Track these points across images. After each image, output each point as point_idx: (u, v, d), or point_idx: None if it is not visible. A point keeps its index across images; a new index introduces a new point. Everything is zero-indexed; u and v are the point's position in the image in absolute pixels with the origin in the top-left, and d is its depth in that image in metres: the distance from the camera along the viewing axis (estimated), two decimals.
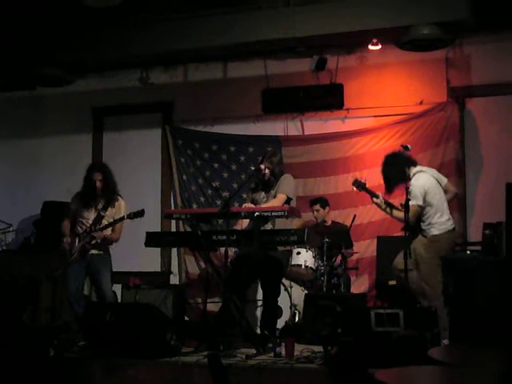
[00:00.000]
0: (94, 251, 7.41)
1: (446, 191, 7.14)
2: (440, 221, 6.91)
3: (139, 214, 7.33)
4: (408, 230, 6.96)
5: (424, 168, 7.10)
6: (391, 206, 7.13)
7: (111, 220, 7.38)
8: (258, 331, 7.11)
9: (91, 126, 10.22)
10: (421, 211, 6.89)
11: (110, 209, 7.47)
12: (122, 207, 7.52)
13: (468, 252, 7.19)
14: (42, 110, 10.37)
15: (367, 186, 7.24)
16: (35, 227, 9.51)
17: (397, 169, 7.00)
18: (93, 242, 7.33)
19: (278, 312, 7.36)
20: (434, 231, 6.90)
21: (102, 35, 8.71)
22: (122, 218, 7.35)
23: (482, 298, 6.08)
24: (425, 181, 6.95)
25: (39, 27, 8.62)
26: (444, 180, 7.21)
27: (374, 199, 7.12)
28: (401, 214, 6.87)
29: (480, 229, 7.06)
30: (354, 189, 7.31)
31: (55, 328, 7.03)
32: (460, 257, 6.89)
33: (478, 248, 7.10)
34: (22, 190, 10.16)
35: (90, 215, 7.47)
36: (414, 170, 7.02)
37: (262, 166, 7.00)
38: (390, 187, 7.13)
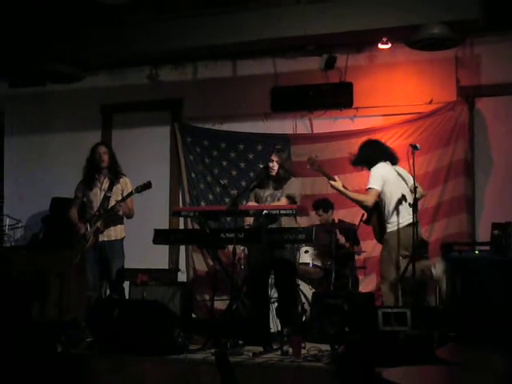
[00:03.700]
0: (105, 238, 7.42)
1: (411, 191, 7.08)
2: (391, 220, 6.84)
3: (146, 186, 7.30)
4: (367, 223, 7.09)
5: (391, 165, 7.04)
6: (347, 190, 7.13)
7: (119, 198, 7.38)
8: (273, 328, 7.17)
9: (100, 123, 10.25)
10: (379, 197, 6.86)
11: (115, 188, 7.46)
12: (128, 183, 7.53)
13: (476, 252, 7.18)
14: (52, 107, 10.39)
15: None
16: (44, 223, 9.53)
17: (370, 153, 7.02)
18: (118, 212, 7.37)
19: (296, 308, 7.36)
20: (388, 229, 6.86)
21: (111, 32, 8.73)
22: (130, 193, 7.34)
23: (490, 298, 6.07)
24: (385, 170, 6.90)
25: (49, 23, 8.64)
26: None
27: (331, 182, 7.03)
28: (357, 195, 7.01)
29: (488, 229, 7.04)
30: (308, 166, 7.18)
31: (63, 324, 7.04)
32: (468, 257, 6.87)
33: (487, 248, 7.09)
34: (30, 186, 10.19)
35: (96, 197, 7.46)
36: (381, 162, 6.99)
37: (273, 158, 6.99)
38: (355, 163, 7.19)
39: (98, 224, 7.37)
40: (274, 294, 7.37)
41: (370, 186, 6.83)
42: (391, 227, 6.84)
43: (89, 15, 8.43)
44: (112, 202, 7.38)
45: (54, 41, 8.84)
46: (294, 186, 7.07)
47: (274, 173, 6.98)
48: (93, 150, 7.58)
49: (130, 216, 7.55)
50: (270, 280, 7.25)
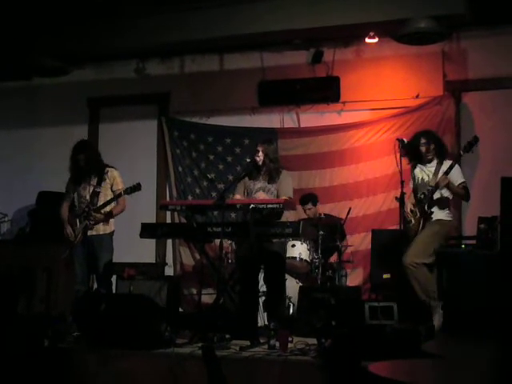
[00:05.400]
0: (94, 232, 7.36)
1: None
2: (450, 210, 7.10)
3: (136, 188, 7.26)
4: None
5: None
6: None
7: (108, 193, 7.34)
8: (260, 322, 7.17)
9: (87, 117, 10.22)
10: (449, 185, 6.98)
11: (103, 183, 7.39)
12: (116, 177, 7.46)
13: (463, 246, 7.21)
14: (38, 101, 10.35)
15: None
16: (30, 217, 9.49)
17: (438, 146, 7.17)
18: (92, 222, 7.28)
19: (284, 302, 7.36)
20: (446, 217, 7.00)
21: (98, 25, 8.70)
22: (119, 195, 7.31)
23: (476, 291, 6.09)
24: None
25: (35, 17, 8.60)
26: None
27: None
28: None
29: (475, 223, 7.07)
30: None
31: (50, 318, 7.02)
32: (455, 251, 6.89)
33: (473, 242, 7.12)
34: (17, 180, 10.15)
35: (86, 193, 7.41)
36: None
37: (258, 148, 6.97)
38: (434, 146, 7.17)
39: (87, 221, 7.32)
40: (261, 287, 7.38)
41: (463, 180, 7.00)
42: (449, 216, 7.02)
43: (76, 9, 8.39)
44: (101, 197, 7.34)
45: (40, 34, 8.80)
46: (288, 181, 7.05)
47: (260, 162, 6.96)
48: (72, 154, 7.45)
49: (121, 212, 7.53)
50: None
